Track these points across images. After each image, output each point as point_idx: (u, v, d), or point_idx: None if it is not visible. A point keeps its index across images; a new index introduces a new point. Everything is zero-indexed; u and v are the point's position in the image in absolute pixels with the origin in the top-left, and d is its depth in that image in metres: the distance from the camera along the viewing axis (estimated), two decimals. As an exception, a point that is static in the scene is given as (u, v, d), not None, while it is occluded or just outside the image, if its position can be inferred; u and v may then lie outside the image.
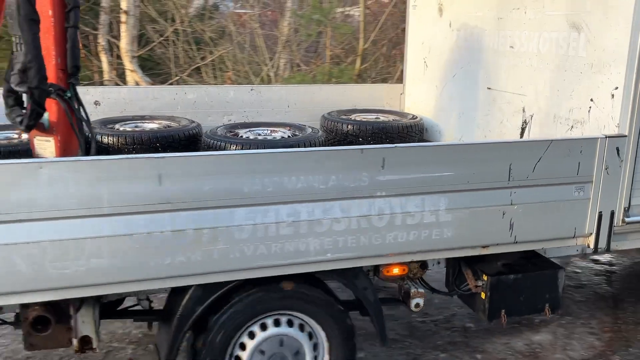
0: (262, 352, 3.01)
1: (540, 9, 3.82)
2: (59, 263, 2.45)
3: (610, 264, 5.57)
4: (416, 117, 5.08)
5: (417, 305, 3.46)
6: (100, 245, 2.48)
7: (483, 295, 3.45)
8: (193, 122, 4.55)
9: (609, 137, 3.14)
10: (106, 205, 2.46)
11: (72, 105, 3.00)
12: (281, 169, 2.66)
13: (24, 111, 2.91)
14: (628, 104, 3.15)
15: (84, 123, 3.02)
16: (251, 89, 5.34)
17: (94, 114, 4.63)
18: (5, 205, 2.33)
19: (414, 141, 4.88)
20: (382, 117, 5.17)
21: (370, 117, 5.17)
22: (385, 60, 10.23)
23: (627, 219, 3.28)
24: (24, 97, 3.02)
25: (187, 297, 2.81)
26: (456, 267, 3.61)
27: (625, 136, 3.17)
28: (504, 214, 3.04)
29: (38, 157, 3.00)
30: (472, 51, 4.65)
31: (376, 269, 3.20)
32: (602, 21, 3.28)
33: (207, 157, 2.68)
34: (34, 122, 2.85)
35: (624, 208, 3.26)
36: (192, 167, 2.56)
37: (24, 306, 2.66)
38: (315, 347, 3.16)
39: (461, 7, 4.75)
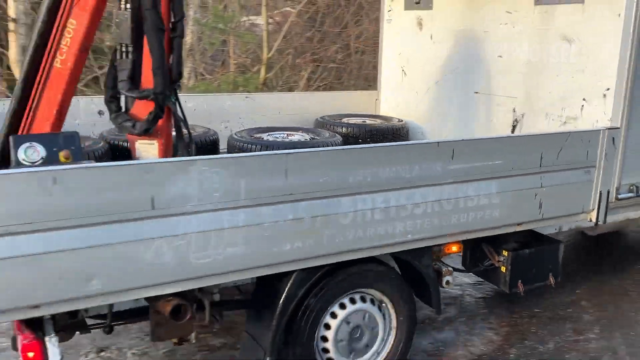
0: (348, 323, 3.38)
1: (529, 24, 4.51)
2: (201, 253, 2.65)
3: None
4: (402, 121, 5.61)
5: (447, 282, 3.97)
6: (236, 234, 2.71)
7: (504, 269, 4.01)
8: (209, 129, 4.79)
9: (609, 129, 3.85)
10: (243, 198, 2.71)
11: (175, 110, 3.19)
12: (378, 161, 3.04)
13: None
14: (619, 102, 3.89)
15: (182, 125, 3.23)
16: (246, 97, 5.64)
17: (99, 124, 4.77)
18: (163, 200, 2.52)
19: (403, 140, 5.41)
20: (369, 121, 5.63)
21: (359, 120, 5.62)
22: (291, 69, 10.39)
23: (619, 196, 4.03)
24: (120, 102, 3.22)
25: (290, 281, 3.08)
26: (475, 247, 4.20)
27: (619, 128, 3.91)
28: (535, 195, 3.63)
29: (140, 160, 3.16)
30: (456, 60, 5.23)
31: (439, 247, 3.69)
32: (594, 35, 4.00)
33: (323, 152, 3.04)
34: (152, 126, 3.03)
35: (616, 187, 4.01)
36: (312, 161, 2.88)
37: (154, 299, 2.83)
38: (384, 317, 3.55)
39: (443, 22, 5.34)
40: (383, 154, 3.08)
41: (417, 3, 5.57)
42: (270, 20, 10.65)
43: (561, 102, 4.31)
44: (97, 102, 4.97)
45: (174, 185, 2.53)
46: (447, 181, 3.28)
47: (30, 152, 2.87)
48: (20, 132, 3.13)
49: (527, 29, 4.55)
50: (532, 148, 3.58)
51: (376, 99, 6.24)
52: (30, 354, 2.52)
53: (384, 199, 3.09)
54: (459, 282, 5.07)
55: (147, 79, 3.08)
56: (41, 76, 3.06)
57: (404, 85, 5.87)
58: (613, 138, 3.87)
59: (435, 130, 5.48)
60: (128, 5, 3.04)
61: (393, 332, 3.60)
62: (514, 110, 4.71)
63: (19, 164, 2.81)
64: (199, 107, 5.28)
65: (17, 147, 2.85)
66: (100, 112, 4.86)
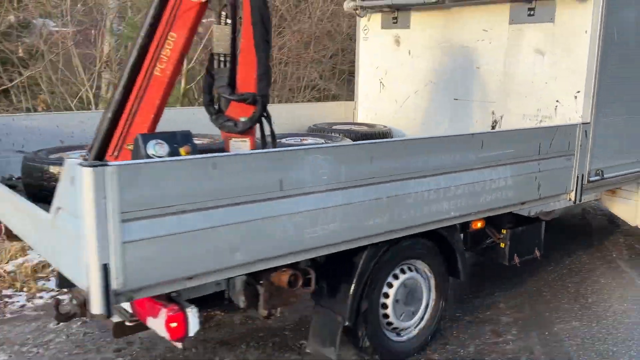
0: (402, 289, 3.97)
1: (505, 40, 5.33)
2: (312, 228, 3.10)
3: None
4: (386, 127, 6.26)
5: None
6: (335, 212, 3.18)
7: (503, 245, 4.78)
8: None
9: (582, 124, 4.73)
10: (342, 181, 3.20)
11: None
12: (434, 150, 3.67)
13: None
14: (588, 102, 4.79)
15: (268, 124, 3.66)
16: None
17: None
18: (288, 183, 2.96)
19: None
20: (355, 127, 6.24)
21: (346, 127, 6.20)
22: None
23: (590, 179, 4.93)
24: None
25: (364, 255, 3.61)
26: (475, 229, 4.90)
27: (589, 123, 4.81)
28: (535, 178, 4.40)
29: None
30: (435, 72, 5.96)
31: (467, 224, 4.36)
32: (564, 49, 4.89)
33: (401, 141, 3.65)
34: (254, 125, 3.47)
35: (588, 172, 4.89)
36: (391, 150, 3.45)
37: (266, 272, 3.21)
38: (426, 285, 4.18)
39: (420, 40, 6.08)
40: (437, 143, 3.75)
41: (395, 23, 6.29)
42: None
43: (537, 104, 5.15)
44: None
45: (296, 170, 2.99)
46: (478, 167, 3.95)
47: (158, 148, 3.22)
48: (118, 134, 3.45)
49: (502, 44, 5.37)
50: (534, 139, 4.36)
51: (354, 109, 6.90)
52: (173, 324, 2.83)
53: (435, 182, 3.69)
54: None
55: (243, 84, 3.50)
56: (141, 84, 3.41)
57: (382, 96, 6.56)
58: (585, 131, 4.76)
59: (419, 133, 6.08)
60: (228, 21, 3.49)
61: (433, 297, 4.22)
62: (492, 113, 5.50)
63: (148, 158, 3.16)
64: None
65: (145, 144, 3.20)
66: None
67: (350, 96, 8.39)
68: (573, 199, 4.84)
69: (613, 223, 7.56)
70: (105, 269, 2.45)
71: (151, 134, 3.39)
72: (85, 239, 2.44)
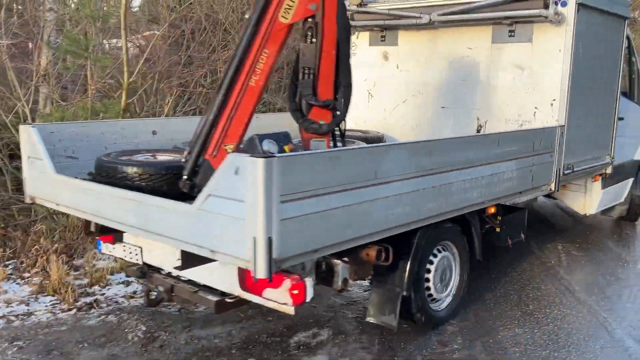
0: (439, 265, 4.72)
1: (488, 57, 6.23)
2: (392, 210, 3.76)
3: None
4: (379, 132, 6.94)
5: None
6: (406, 197, 3.88)
7: (498, 229, 5.55)
8: None
9: (559, 126, 5.70)
10: (412, 172, 3.88)
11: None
12: (470, 147, 4.50)
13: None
14: (563, 109, 5.75)
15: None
16: (256, 117, 6.42)
17: (153, 142, 5.38)
18: (380, 172, 3.63)
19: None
20: (349, 133, 6.88)
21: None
22: (155, 94, 9.77)
23: (565, 172, 5.90)
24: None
25: (418, 235, 4.32)
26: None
27: (564, 126, 5.76)
28: (530, 171, 5.30)
29: None
30: (422, 84, 6.72)
31: (484, 210, 5.11)
32: (541, 64, 5.84)
33: (451, 139, 4.57)
34: (336, 127, 4.12)
35: (563, 166, 5.84)
36: (444, 146, 4.21)
37: (355, 249, 3.75)
38: (455, 261, 4.94)
39: (408, 55, 6.85)
40: (472, 141, 4.67)
41: (383, 40, 7.01)
42: (134, 44, 10.15)
43: (517, 110, 6.07)
44: (150, 123, 5.67)
45: (385, 163, 3.66)
46: (495, 161, 4.77)
47: (270, 145, 3.82)
48: (217, 135, 3.90)
49: (486, 60, 6.26)
50: (530, 138, 5.27)
51: None
52: (295, 292, 3.37)
53: (469, 173, 4.47)
54: (331, 304, 5.27)
55: (324, 92, 4.13)
56: (239, 92, 3.91)
57: (371, 105, 7.27)
58: (561, 132, 5.72)
59: (410, 138, 6.83)
60: (314, 40, 4.09)
61: (458, 272, 4.97)
62: (477, 119, 6.38)
63: (264, 153, 3.70)
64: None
65: (261, 142, 3.82)
66: (153, 132, 5.42)
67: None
68: (553, 188, 5.81)
69: (552, 229, 8.04)
70: (269, 242, 2.97)
71: (263, 134, 3.96)
72: (252, 218, 2.95)
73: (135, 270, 4.53)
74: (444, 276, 4.79)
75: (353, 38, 7.17)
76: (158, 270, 4.42)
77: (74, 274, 5.77)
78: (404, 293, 4.30)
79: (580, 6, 5.66)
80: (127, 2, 7.07)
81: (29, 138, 4.51)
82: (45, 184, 4.44)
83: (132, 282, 5.67)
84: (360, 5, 6.79)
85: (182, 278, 4.24)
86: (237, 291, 3.76)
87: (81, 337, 4.58)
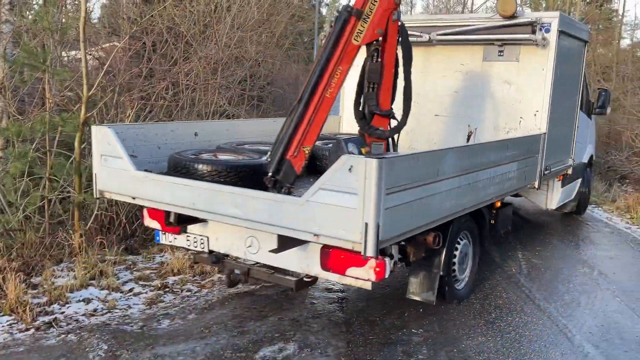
0: (461, 251, 5.58)
1: (479, 73, 7.15)
2: (445, 203, 4.65)
3: (341, 291, 5.95)
4: None
5: None
6: (454, 192, 4.74)
7: (493, 221, 6.41)
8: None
9: (543, 133, 6.73)
10: (457, 171, 4.73)
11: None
12: (492, 150, 5.52)
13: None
14: (545, 118, 6.75)
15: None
16: (274, 121, 7.10)
17: (194, 142, 5.92)
18: (440, 171, 4.49)
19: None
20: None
21: (346, 137, 7.51)
22: (115, 107, 9.55)
23: (545, 172, 6.93)
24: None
25: (453, 225, 5.17)
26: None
27: (545, 133, 6.77)
28: (524, 171, 6.30)
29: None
30: (417, 94, 7.05)
31: (493, 204, 6.02)
32: (526, 80, 6.83)
33: (480, 144, 5.78)
34: (396, 133, 5.20)
35: (544, 167, 6.83)
36: (478, 149, 5.34)
37: (413, 237, 4.49)
38: (470, 247, 5.83)
39: None
40: (494, 145, 5.71)
41: None
42: (93, 56, 9.93)
43: (505, 119, 7.02)
44: (192, 125, 6.14)
45: (443, 163, 4.51)
46: (504, 162, 5.74)
47: (353, 148, 4.87)
48: (298, 138, 4.58)
49: (477, 76, 7.17)
50: (525, 143, 6.33)
51: (339, 122, 8.41)
52: (378, 269, 4.06)
53: (490, 172, 5.41)
54: (297, 318, 5.27)
55: (384, 104, 5.18)
56: (317, 102, 4.62)
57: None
58: (544, 139, 6.75)
59: (406, 142, 7.52)
60: (379, 59, 5.05)
61: (471, 257, 5.86)
62: (469, 126, 7.27)
63: (349, 154, 4.55)
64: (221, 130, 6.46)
65: (346, 144, 4.99)
66: (195, 134, 5.93)
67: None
68: (537, 185, 6.90)
69: (511, 237, 8.21)
70: (377, 227, 3.64)
71: (347, 138, 5.10)
72: (365, 207, 3.64)
73: (208, 257, 5.05)
74: (462, 260, 5.63)
75: None
76: (225, 256, 5.04)
77: (32, 293, 5.56)
78: (441, 273, 5.08)
79: (560, 32, 6.67)
80: (86, 14, 6.96)
81: (105, 137, 4.95)
82: (122, 179, 4.89)
83: (92, 299, 5.54)
84: None
85: (251, 263, 4.93)
86: (315, 271, 4.45)
87: (40, 357, 4.44)
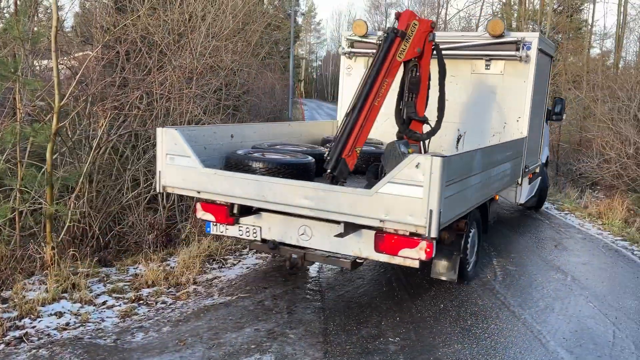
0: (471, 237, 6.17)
1: (468, 84, 7.71)
2: (472, 195, 5.24)
3: (318, 300, 5.90)
4: (380, 141, 7.70)
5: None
6: (477, 186, 5.28)
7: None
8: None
9: (524, 137, 7.34)
10: (480, 168, 5.24)
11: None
12: (502, 150, 6.20)
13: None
14: (525, 124, 7.45)
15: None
16: (289, 125, 8.16)
17: (230, 144, 6.38)
18: (474, 166, 5.13)
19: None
20: None
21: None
22: (88, 117, 9.36)
23: (525, 170, 7.60)
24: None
25: (470, 214, 5.63)
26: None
27: (526, 137, 7.43)
28: (514, 170, 6.88)
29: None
30: None
31: (493, 197, 6.46)
32: (510, 91, 7.58)
33: (499, 145, 6.56)
34: (431, 136, 6.12)
35: (524, 166, 7.51)
36: (496, 149, 6.08)
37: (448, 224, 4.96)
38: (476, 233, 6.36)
39: (398, 78, 7.71)
40: (504, 146, 6.42)
41: None
42: (65, 65, 9.61)
43: (491, 124, 7.59)
44: (228, 128, 6.65)
45: (475, 161, 5.08)
46: (505, 162, 6.26)
47: (404, 148, 5.58)
48: (350, 143, 5.35)
49: (466, 86, 7.71)
50: (516, 145, 6.91)
51: (336, 126, 8.35)
52: (428, 250, 4.72)
53: (496, 170, 5.97)
54: (272, 329, 5.17)
55: (420, 111, 6.06)
56: (368, 110, 5.43)
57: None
58: (526, 142, 7.39)
59: None
60: (417, 73, 5.96)
61: (476, 243, 6.43)
62: (458, 130, 7.79)
63: (403, 155, 5.29)
64: (261, 132, 7.23)
65: (399, 146, 5.63)
66: (232, 136, 6.41)
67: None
68: (519, 182, 7.66)
69: (485, 243, 8.03)
70: (439, 213, 4.36)
71: (398, 141, 5.86)
72: (430, 196, 4.36)
73: (265, 245, 5.66)
74: (473, 245, 6.26)
75: (350, 62, 8.61)
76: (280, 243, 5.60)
77: (2, 307, 5.35)
78: (461, 256, 5.73)
79: (539, 50, 7.60)
80: (58, 23, 6.86)
81: (171, 138, 5.49)
82: (188, 175, 5.42)
83: (64, 313, 5.39)
84: (363, 36, 8.28)
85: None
86: (367, 254, 5.18)
87: (10, 373, 4.24)
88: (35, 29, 10.35)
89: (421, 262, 4.82)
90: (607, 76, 17.66)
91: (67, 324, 5.16)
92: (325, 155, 5.38)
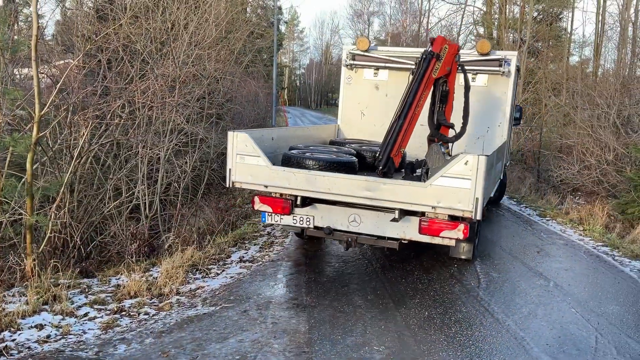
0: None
1: (458, 94, 7.66)
2: (489, 188, 5.88)
3: (303, 310, 5.81)
4: (377, 141, 7.88)
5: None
6: (489, 182, 5.67)
7: None
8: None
9: (505, 141, 7.87)
10: (487, 169, 5.63)
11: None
12: (498, 152, 6.49)
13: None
14: (506, 129, 8.03)
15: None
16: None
17: (273, 146, 6.97)
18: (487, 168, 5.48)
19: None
20: (365, 141, 8.55)
21: (356, 143, 8.10)
22: (69, 126, 9.11)
23: (506, 166, 8.34)
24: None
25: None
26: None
27: (507, 140, 7.95)
28: (504, 169, 7.75)
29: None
30: None
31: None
32: (492, 101, 8.16)
33: (502, 146, 6.92)
34: (457, 139, 6.93)
35: (504, 165, 8.24)
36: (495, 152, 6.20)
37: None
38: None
39: (395, 88, 8.51)
40: (500, 148, 6.85)
41: (375, 75, 9.15)
42: (46, 74, 9.57)
43: (475, 128, 7.93)
44: (270, 132, 7.35)
45: (493, 158, 5.51)
46: (499, 160, 6.80)
47: (443, 149, 6.82)
48: (397, 144, 6.36)
49: (455, 96, 7.64)
50: (504, 147, 7.47)
51: (338, 130, 9.52)
52: (465, 230, 5.79)
53: (497, 166, 6.41)
54: (257, 339, 5.13)
55: (448, 118, 6.93)
56: (410, 118, 6.43)
57: (363, 122, 9.26)
58: (506, 145, 7.88)
59: None
60: (446, 88, 6.94)
61: (477, 230, 7.14)
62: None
63: (443, 154, 6.70)
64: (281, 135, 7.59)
65: (440, 148, 6.80)
66: (272, 138, 7.00)
67: (219, 139, 11.10)
68: (501, 178, 8.50)
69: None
70: (484, 200, 5.50)
71: (439, 144, 6.85)
72: (476, 187, 5.41)
73: (322, 230, 6.49)
74: (475, 233, 7.09)
75: (351, 73, 9.25)
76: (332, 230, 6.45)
77: (-19, 320, 5.35)
78: (476, 239, 6.89)
79: (516, 67, 8.77)
80: (38, 31, 6.78)
81: (242, 140, 6.25)
82: (257, 172, 6.22)
83: (45, 325, 5.31)
84: (366, 50, 9.24)
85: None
86: (410, 235, 6.18)
87: (-11, 388, 4.22)
88: (16, 37, 10.21)
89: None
90: (587, 84, 17.87)
91: (48, 336, 5.06)
92: (377, 154, 6.48)
